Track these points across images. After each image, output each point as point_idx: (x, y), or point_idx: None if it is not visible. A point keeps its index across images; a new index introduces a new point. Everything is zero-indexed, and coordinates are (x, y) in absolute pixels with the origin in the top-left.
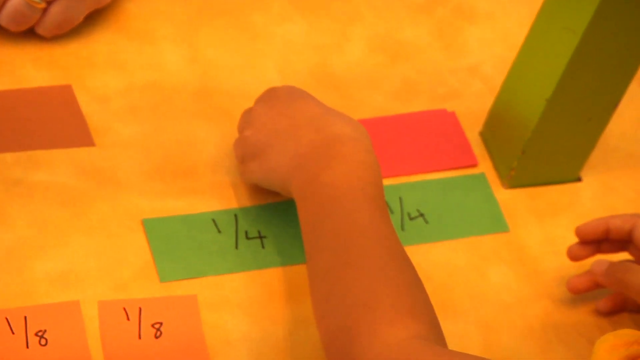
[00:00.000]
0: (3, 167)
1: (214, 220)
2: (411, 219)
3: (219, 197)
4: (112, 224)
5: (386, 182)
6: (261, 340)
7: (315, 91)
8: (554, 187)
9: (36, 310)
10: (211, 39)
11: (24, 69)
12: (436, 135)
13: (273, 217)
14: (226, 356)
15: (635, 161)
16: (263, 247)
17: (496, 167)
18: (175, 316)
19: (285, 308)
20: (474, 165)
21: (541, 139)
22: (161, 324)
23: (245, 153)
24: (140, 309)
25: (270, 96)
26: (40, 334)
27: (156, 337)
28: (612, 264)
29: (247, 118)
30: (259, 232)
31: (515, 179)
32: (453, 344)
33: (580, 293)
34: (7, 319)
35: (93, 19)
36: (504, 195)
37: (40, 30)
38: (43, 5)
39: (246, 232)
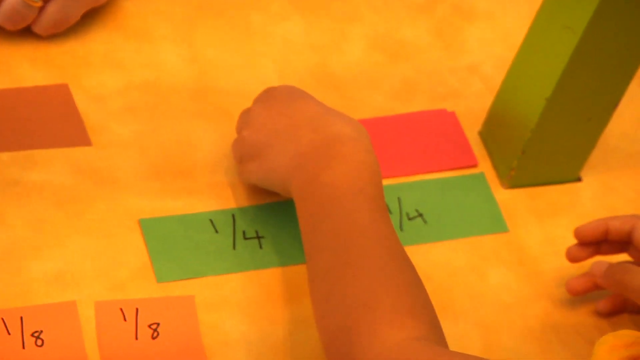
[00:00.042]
0: None
1: (211, 221)
2: (410, 219)
3: (217, 197)
4: (109, 224)
5: (385, 182)
6: (259, 341)
7: (314, 91)
8: (553, 187)
9: (32, 311)
10: (209, 38)
11: (20, 68)
12: (436, 136)
13: (271, 217)
14: (224, 357)
15: (635, 161)
16: (261, 247)
17: (496, 167)
18: (172, 317)
19: (284, 308)
20: (475, 166)
21: (541, 139)
22: (158, 324)
23: (243, 153)
24: (137, 310)
25: (269, 96)
26: (36, 334)
27: (153, 338)
28: (612, 266)
29: (246, 118)
30: (256, 232)
31: (514, 179)
32: (452, 344)
33: (579, 295)
34: (3, 319)
35: (90, 17)
36: (503, 195)
37: (36, 29)
38: (39, 3)
39: (244, 232)
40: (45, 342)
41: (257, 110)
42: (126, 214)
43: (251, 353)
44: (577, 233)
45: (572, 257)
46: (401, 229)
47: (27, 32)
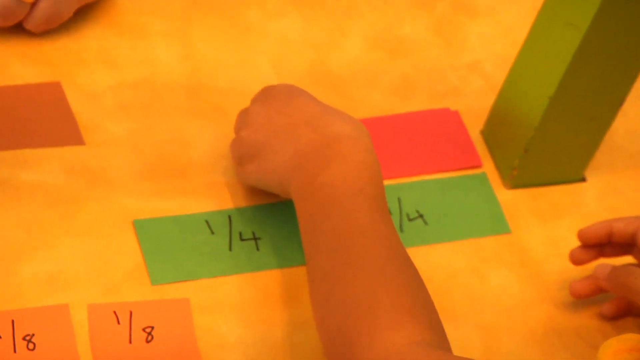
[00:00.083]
0: None
1: (207, 221)
2: (410, 220)
3: (212, 197)
4: (102, 225)
5: (385, 182)
6: (256, 344)
7: (312, 88)
8: (557, 187)
9: (24, 314)
10: (205, 35)
11: (11, 65)
12: (439, 135)
13: (267, 218)
14: None
15: None
16: (257, 248)
17: (497, 167)
18: (167, 320)
19: (280, 311)
20: (479, 167)
21: (544, 138)
22: (152, 328)
23: (242, 154)
24: (131, 313)
25: (267, 95)
26: (28, 338)
27: (147, 342)
28: (615, 268)
29: (244, 118)
30: (253, 233)
31: (517, 179)
32: (453, 347)
33: (582, 297)
34: None
35: (83, 13)
36: (505, 196)
37: (28, 25)
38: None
39: (240, 234)
40: (37, 345)
41: (255, 110)
42: (120, 215)
43: (247, 356)
44: (581, 235)
45: (576, 260)
46: (401, 230)
47: (18, 29)
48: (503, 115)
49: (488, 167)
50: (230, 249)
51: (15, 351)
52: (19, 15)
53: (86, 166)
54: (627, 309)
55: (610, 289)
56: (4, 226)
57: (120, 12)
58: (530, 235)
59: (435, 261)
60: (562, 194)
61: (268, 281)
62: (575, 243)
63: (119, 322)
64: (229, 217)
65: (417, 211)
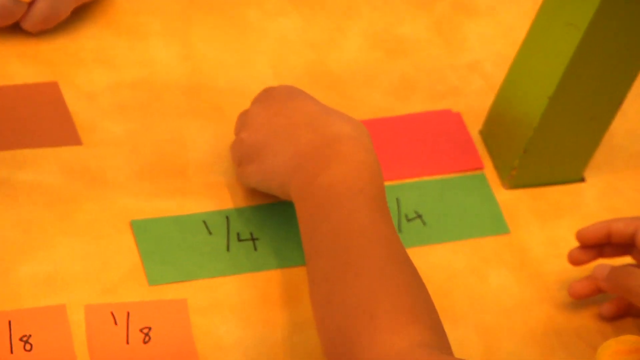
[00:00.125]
0: None
1: (204, 222)
2: (409, 220)
3: (210, 197)
4: (100, 226)
5: (385, 183)
6: (254, 346)
7: (311, 89)
8: (556, 187)
9: (21, 315)
10: (203, 35)
11: (8, 65)
12: (440, 137)
13: (266, 218)
14: None
15: None
16: (255, 249)
17: (497, 167)
18: (164, 321)
19: (279, 312)
20: (480, 169)
21: (543, 138)
22: (150, 328)
23: (242, 155)
24: (128, 313)
25: (267, 96)
26: (25, 338)
27: (145, 343)
28: (614, 269)
29: (244, 119)
30: (251, 234)
31: (516, 179)
32: (453, 348)
33: (582, 298)
34: None
35: (80, 13)
36: (504, 196)
37: (25, 25)
38: None
39: (238, 234)
40: (34, 346)
41: (255, 111)
42: (117, 215)
43: (247, 357)
44: (580, 236)
45: (574, 260)
46: (400, 230)
47: (16, 29)
48: (502, 116)
49: (487, 167)
50: (228, 250)
51: (12, 352)
52: (17, 14)
53: (84, 166)
54: (626, 309)
55: (609, 289)
56: (1, 226)
57: (118, 11)
58: (530, 235)
59: (435, 262)
60: (562, 194)
61: (266, 281)
62: (575, 243)
63: (116, 323)
64: (227, 218)
65: (416, 212)
